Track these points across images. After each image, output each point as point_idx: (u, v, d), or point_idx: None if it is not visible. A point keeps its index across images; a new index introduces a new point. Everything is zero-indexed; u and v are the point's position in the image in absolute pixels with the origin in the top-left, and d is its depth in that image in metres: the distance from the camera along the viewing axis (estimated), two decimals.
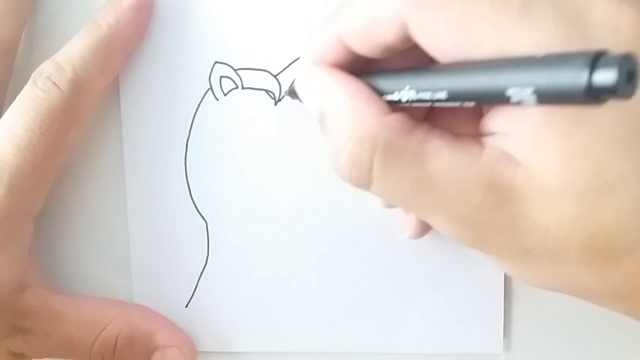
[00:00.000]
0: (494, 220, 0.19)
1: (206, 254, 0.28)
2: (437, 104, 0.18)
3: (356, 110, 0.20)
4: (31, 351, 0.26)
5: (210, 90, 0.27)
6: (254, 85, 0.27)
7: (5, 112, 0.25)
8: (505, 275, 0.27)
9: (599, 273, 0.18)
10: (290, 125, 0.27)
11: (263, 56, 0.26)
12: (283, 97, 0.27)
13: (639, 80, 0.14)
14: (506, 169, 0.18)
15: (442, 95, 0.18)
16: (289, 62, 0.26)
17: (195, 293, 0.28)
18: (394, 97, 0.20)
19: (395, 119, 0.19)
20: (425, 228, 0.26)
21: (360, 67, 0.21)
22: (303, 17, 0.26)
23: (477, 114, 0.20)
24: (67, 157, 0.26)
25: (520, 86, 0.15)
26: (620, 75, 0.13)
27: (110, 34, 0.25)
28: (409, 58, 0.21)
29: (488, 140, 0.19)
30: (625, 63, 0.14)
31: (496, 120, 0.19)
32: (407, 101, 0.19)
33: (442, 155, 0.19)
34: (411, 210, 0.21)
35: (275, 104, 0.27)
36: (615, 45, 0.16)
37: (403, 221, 0.26)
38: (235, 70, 0.27)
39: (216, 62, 0.27)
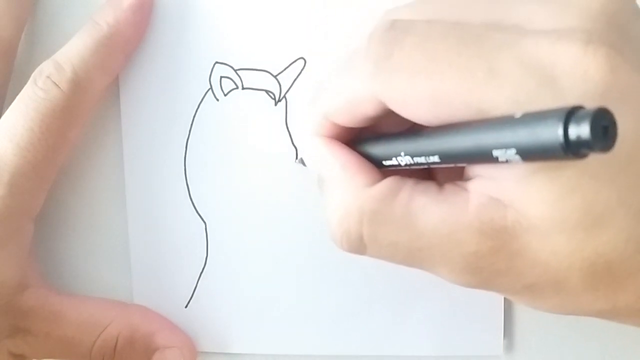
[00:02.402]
0: (493, 265, 0.19)
1: (205, 254, 0.28)
2: (433, 166, 0.19)
3: (345, 181, 0.21)
4: (31, 352, 0.26)
5: (210, 91, 0.27)
6: (254, 85, 0.27)
7: (5, 112, 0.25)
8: None
9: (605, 296, 0.19)
10: (290, 124, 0.27)
11: (263, 56, 0.26)
12: (283, 95, 0.27)
13: (616, 133, 0.14)
14: (495, 214, 0.18)
15: (436, 159, 0.19)
16: (289, 62, 0.26)
17: (195, 294, 0.28)
18: (392, 162, 0.21)
19: (382, 188, 0.20)
20: None
21: (356, 132, 0.22)
22: (303, 18, 0.26)
23: None
24: (67, 157, 0.26)
25: (503, 148, 0.16)
26: (594, 130, 0.14)
27: (110, 33, 0.25)
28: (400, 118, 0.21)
29: (473, 185, 0.19)
30: (599, 117, 0.14)
31: (480, 165, 0.19)
32: (406, 165, 0.20)
33: (429, 212, 0.19)
34: (412, 267, 0.21)
35: (275, 104, 0.27)
36: (587, 91, 0.16)
37: None
38: (235, 70, 0.27)
39: (216, 62, 0.27)
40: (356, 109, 0.20)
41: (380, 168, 0.21)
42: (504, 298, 0.27)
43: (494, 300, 0.27)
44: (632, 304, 0.19)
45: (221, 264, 0.28)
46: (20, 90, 0.24)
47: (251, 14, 0.26)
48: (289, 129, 0.27)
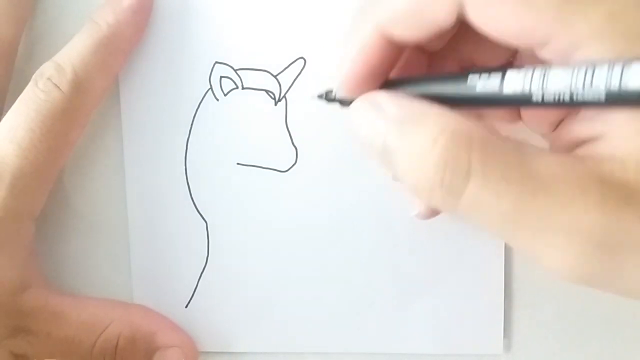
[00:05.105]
0: (621, 223, 0.16)
1: (206, 254, 0.28)
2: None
3: (441, 112, 0.18)
4: (32, 352, 0.26)
5: (210, 91, 0.27)
6: (254, 85, 0.27)
7: (5, 113, 0.25)
8: (505, 275, 0.27)
9: None
10: (290, 124, 0.27)
11: (263, 56, 0.26)
12: (283, 95, 0.27)
13: None
14: (614, 168, 0.16)
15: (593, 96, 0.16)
16: (289, 62, 0.26)
17: (196, 293, 0.28)
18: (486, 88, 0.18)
19: (482, 124, 0.18)
20: (435, 209, 0.25)
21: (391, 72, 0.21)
22: (303, 18, 0.26)
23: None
24: (68, 157, 0.26)
25: None
26: None
27: (110, 33, 0.25)
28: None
29: (579, 151, 0.18)
30: None
31: (578, 128, 0.18)
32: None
33: (544, 155, 0.17)
34: (516, 229, 0.17)
35: (275, 104, 0.27)
36: None
37: (412, 199, 0.25)
38: (235, 70, 0.27)
39: (216, 62, 0.27)
40: (424, 12, 0.18)
41: None
42: (504, 297, 0.27)
43: (495, 299, 0.27)
44: None
45: (222, 263, 0.28)
46: (20, 91, 0.24)
47: (251, 14, 0.26)
48: (289, 129, 0.27)
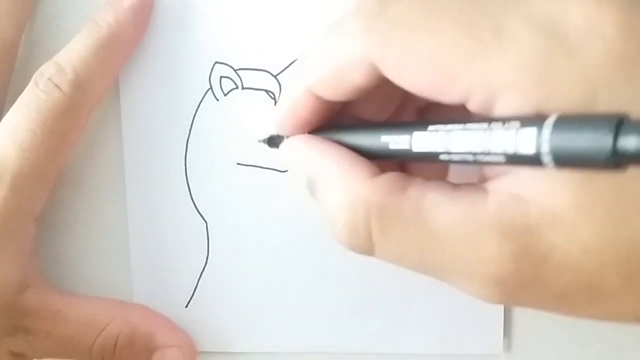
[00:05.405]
0: (516, 273, 0.17)
1: (206, 254, 0.28)
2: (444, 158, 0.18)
3: (343, 177, 0.19)
4: (32, 351, 0.26)
5: (210, 91, 0.27)
6: (254, 85, 0.27)
7: (5, 113, 0.25)
8: None
9: None
10: None
11: (263, 56, 0.26)
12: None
13: None
14: (517, 211, 0.16)
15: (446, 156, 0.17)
16: (289, 62, 0.26)
17: (195, 293, 0.28)
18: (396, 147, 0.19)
19: (386, 180, 0.19)
20: None
21: (335, 115, 0.21)
22: (303, 17, 0.26)
23: None
24: (68, 157, 0.26)
25: (543, 154, 0.15)
26: None
27: (110, 34, 0.25)
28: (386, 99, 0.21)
29: (490, 185, 0.18)
30: None
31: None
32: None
33: (443, 209, 0.18)
34: (427, 274, 0.19)
35: (275, 104, 0.27)
36: (603, 52, 0.15)
37: None
38: (235, 70, 0.27)
39: (216, 62, 0.27)
40: (344, 76, 0.19)
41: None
42: None
43: None
44: None
45: (222, 263, 0.28)
46: (21, 92, 0.25)
47: (251, 14, 0.26)
48: None
